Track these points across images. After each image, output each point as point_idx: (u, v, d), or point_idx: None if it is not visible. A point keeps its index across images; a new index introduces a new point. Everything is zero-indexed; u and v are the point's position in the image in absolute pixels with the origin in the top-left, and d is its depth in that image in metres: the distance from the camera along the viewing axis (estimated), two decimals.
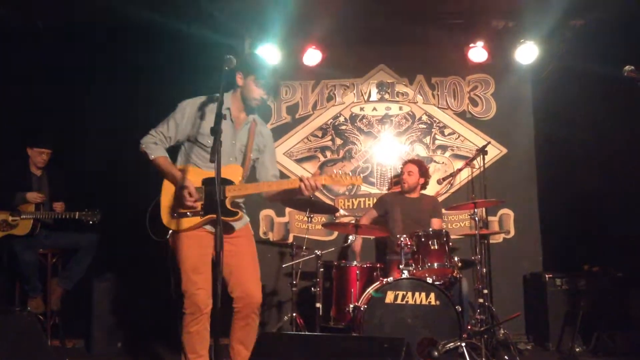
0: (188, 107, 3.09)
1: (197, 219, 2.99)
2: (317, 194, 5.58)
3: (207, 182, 3.00)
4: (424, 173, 5.05)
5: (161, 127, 3.09)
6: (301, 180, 2.98)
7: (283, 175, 4.99)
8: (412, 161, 5.11)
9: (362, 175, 5.61)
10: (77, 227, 4.70)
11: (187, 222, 3.00)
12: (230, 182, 3.02)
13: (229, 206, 3.01)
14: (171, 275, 3.00)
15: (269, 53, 5.21)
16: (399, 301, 3.93)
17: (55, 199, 4.77)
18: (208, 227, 3.04)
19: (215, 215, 2.89)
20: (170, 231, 3.01)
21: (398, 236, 4.30)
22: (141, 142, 3.08)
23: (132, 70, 5.35)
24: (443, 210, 5.25)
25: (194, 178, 3.01)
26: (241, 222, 3.15)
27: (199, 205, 2.97)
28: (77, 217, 4.56)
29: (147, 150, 3.06)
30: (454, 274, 4.29)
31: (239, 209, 3.12)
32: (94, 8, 4.76)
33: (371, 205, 5.32)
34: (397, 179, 5.19)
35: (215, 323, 2.53)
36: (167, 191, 3.06)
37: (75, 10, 4.96)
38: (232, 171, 3.06)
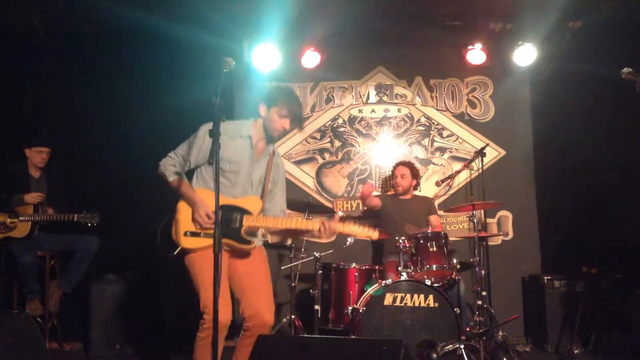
0: (209, 131, 3.08)
1: (208, 241, 2.98)
2: (317, 195, 5.59)
3: (224, 208, 2.96)
4: (416, 174, 5.06)
5: (181, 149, 3.08)
6: (323, 223, 3.02)
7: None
8: (402, 164, 5.10)
9: (360, 177, 5.63)
10: (75, 229, 4.66)
11: (199, 242, 3.00)
12: (248, 212, 3.05)
13: (243, 234, 3.04)
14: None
15: (267, 55, 5.21)
16: (397, 303, 3.93)
17: (54, 200, 4.74)
18: None
19: (229, 241, 2.96)
20: (180, 247, 3.00)
21: (397, 238, 4.30)
22: (160, 165, 3.07)
23: (130, 73, 5.34)
24: (442, 212, 5.27)
25: (210, 202, 2.96)
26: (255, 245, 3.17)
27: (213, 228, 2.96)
28: (75, 220, 4.52)
29: (165, 172, 3.04)
30: (453, 276, 4.29)
31: (254, 237, 3.13)
32: (91, 10, 4.75)
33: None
34: (392, 182, 5.17)
35: (215, 329, 2.52)
36: (182, 212, 3.04)
37: (74, 12, 4.96)
38: (252, 203, 3.09)
